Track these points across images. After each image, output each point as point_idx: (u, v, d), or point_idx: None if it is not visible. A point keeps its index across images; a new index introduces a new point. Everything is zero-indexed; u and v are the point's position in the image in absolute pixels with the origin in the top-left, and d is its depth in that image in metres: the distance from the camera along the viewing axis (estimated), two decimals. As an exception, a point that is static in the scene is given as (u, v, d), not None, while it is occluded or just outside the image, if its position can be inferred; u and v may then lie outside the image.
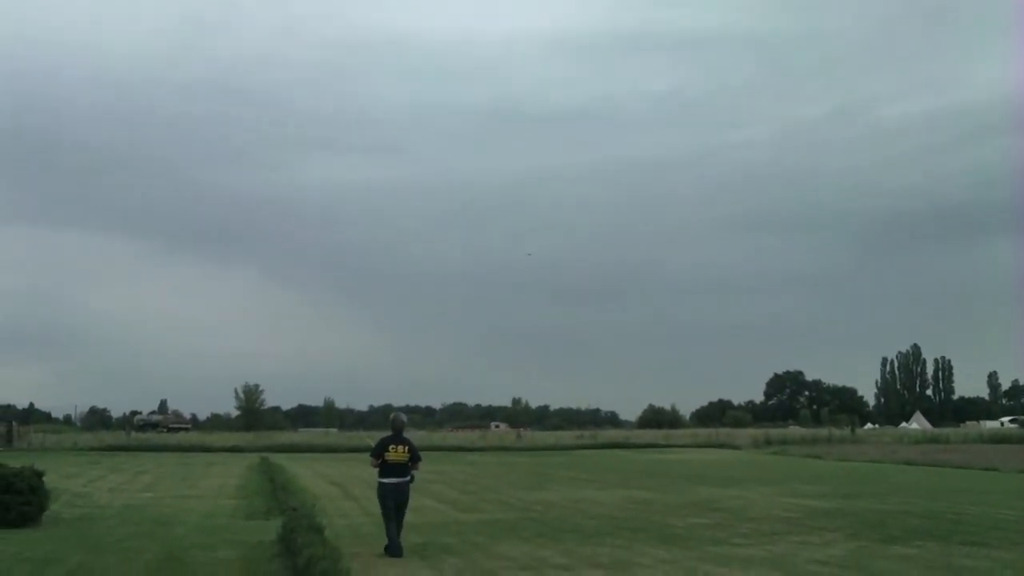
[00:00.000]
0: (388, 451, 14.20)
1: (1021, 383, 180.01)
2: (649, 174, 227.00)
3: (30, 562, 12.87)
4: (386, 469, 14.21)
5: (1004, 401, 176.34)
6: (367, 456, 15.55)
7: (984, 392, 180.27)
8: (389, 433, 14.57)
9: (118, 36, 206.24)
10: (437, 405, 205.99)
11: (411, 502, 14.72)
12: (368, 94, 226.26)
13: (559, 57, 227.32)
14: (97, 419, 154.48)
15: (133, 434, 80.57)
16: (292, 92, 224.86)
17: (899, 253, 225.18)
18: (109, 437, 70.29)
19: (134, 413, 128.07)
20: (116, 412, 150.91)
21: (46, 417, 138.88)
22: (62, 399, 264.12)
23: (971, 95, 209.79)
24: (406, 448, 14.26)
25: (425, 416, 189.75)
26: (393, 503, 14.17)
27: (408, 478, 14.29)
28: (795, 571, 12.24)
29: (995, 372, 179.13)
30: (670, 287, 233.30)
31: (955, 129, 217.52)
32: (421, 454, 14.80)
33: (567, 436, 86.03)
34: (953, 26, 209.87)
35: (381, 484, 14.30)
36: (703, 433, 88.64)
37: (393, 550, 13.84)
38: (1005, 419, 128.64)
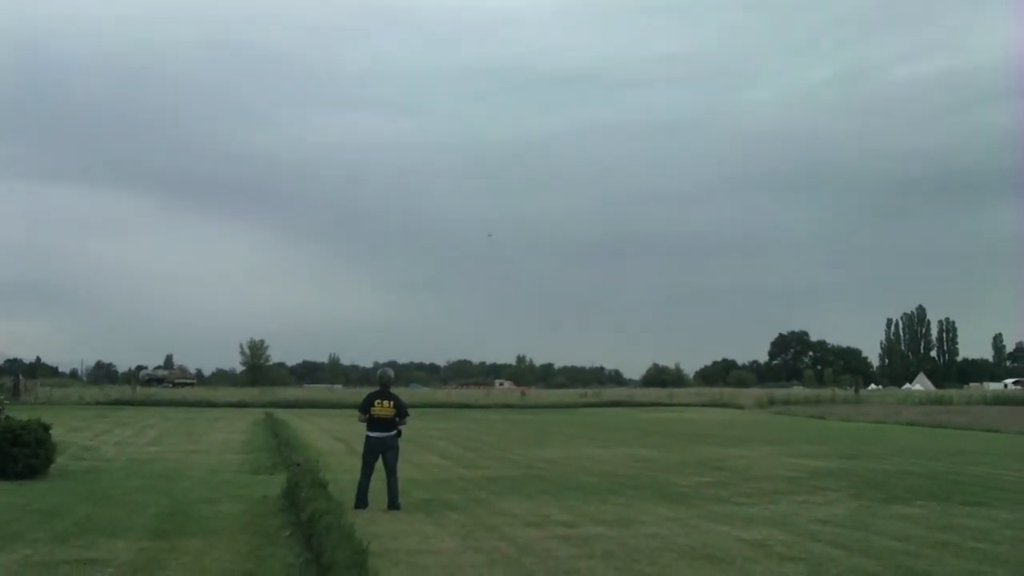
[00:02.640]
0: (374, 406, 14.32)
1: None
2: (655, 135, 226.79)
3: (37, 513, 12.96)
4: (372, 424, 14.35)
5: (1008, 363, 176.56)
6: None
7: (989, 354, 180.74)
8: (376, 388, 14.68)
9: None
10: (442, 362, 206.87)
11: (401, 457, 14.76)
12: (375, 53, 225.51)
13: (567, 18, 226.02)
14: (103, 373, 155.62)
15: (139, 388, 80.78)
16: (300, 50, 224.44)
17: (905, 215, 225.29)
18: (115, 391, 70.47)
19: (140, 368, 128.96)
20: (122, 367, 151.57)
21: (52, 371, 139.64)
22: (68, 353, 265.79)
23: (980, 57, 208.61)
24: (391, 403, 14.35)
25: (430, 373, 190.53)
26: (374, 457, 14.30)
27: (394, 432, 14.38)
28: (797, 530, 12.29)
29: (1000, 334, 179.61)
30: (676, 247, 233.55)
31: (964, 92, 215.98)
32: (409, 409, 14.88)
33: (571, 394, 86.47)
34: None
35: (367, 438, 14.47)
36: (707, 392, 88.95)
37: (360, 502, 14.03)
38: (1009, 381, 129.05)
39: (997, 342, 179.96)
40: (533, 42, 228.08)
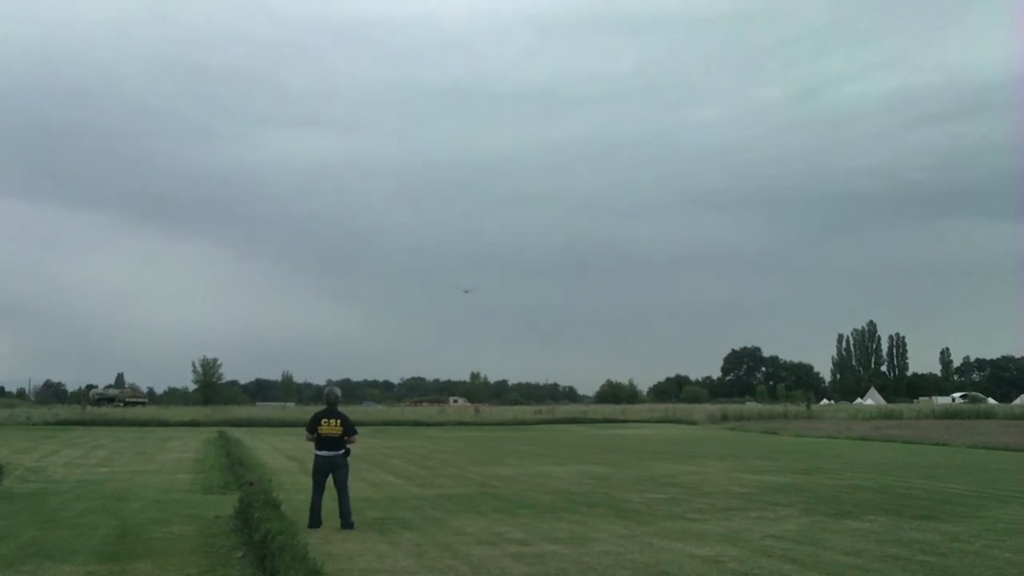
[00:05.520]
0: (321, 425, 14.28)
1: (972, 359, 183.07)
2: (608, 152, 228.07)
3: (-18, 537, 12.75)
4: (320, 443, 14.32)
5: (956, 377, 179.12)
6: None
7: (937, 368, 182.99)
8: (323, 407, 14.65)
9: (80, 8, 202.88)
10: (396, 380, 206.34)
11: (353, 475, 14.77)
12: (331, 72, 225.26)
13: (521, 36, 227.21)
14: (52, 393, 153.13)
15: (89, 408, 79.78)
16: (254, 68, 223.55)
17: (855, 232, 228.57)
18: (64, 411, 69.63)
19: (90, 387, 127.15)
20: (72, 386, 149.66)
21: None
22: (15, 372, 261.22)
23: (927, 78, 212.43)
24: (339, 422, 14.32)
25: (384, 390, 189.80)
26: (324, 476, 14.28)
27: (342, 451, 14.35)
28: (750, 546, 12.36)
29: (947, 349, 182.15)
30: (629, 264, 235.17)
31: (911, 111, 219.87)
32: (362, 427, 14.90)
33: (525, 411, 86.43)
34: (911, 8, 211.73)
35: (315, 456, 14.44)
36: (660, 408, 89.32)
37: (313, 521, 14.00)
38: (956, 395, 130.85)
39: (945, 356, 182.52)
40: (485, 62, 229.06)
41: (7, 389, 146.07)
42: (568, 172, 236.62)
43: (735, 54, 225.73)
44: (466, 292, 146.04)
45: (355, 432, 14.63)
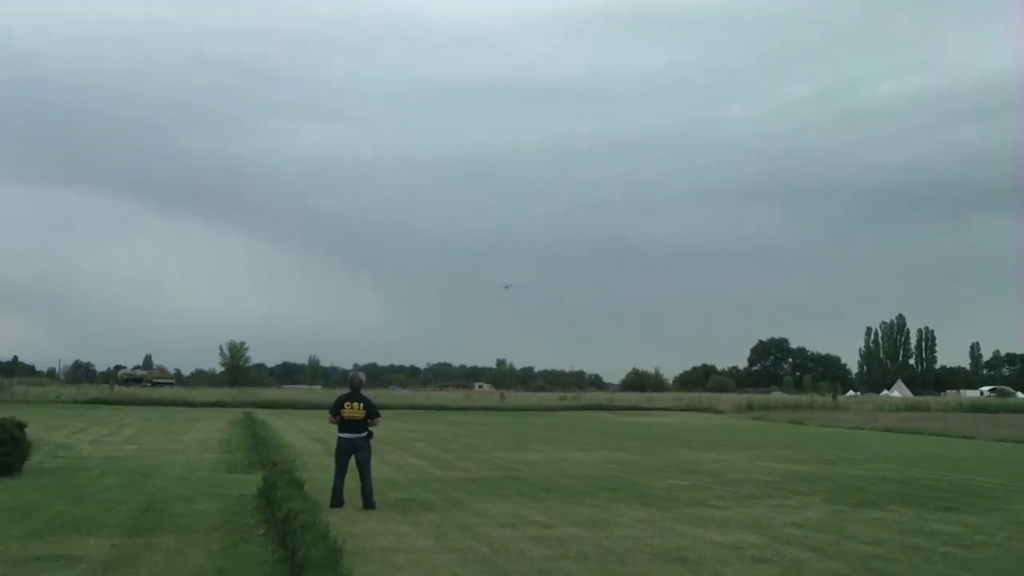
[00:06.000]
0: (344, 408, 14.42)
1: (1002, 354, 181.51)
2: (638, 148, 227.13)
3: (11, 511, 12.90)
4: (343, 425, 14.47)
5: (985, 371, 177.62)
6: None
7: (966, 362, 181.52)
8: (347, 391, 14.76)
9: (111, 4, 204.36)
10: (422, 365, 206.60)
11: (376, 457, 14.94)
12: (353, 66, 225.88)
13: (550, 33, 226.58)
14: (81, 373, 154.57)
15: (117, 388, 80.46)
16: (281, 63, 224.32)
17: (886, 227, 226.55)
18: (92, 391, 70.16)
19: (118, 367, 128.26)
20: (100, 366, 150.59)
21: (30, 370, 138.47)
22: (46, 353, 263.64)
23: (959, 76, 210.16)
24: (361, 405, 14.45)
25: (410, 375, 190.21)
26: (346, 457, 14.41)
27: (365, 434, 14.45)
28: (770, 533, 12.36)
29: (977, 343, 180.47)
30: (658, 254, 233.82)
31: (943, 109, 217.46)
32: (388, 411, 14.99)
33: (550, 397, 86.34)
34: (944, 7, 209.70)
35: (338, 439, 14.59)
36: (686, 397, 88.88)
37: (335, 501, 14.13)
38: (985, 388, 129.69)
39: (974, 351, 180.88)
40: (512, 57, 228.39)
41: (38, 369, 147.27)
42: (599, 165, 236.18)
43: (768, 51, 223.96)
44: (507, 288, 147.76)
45: (378, 415, 14.74)
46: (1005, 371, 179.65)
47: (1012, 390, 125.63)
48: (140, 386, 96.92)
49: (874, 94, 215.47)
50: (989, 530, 13.02)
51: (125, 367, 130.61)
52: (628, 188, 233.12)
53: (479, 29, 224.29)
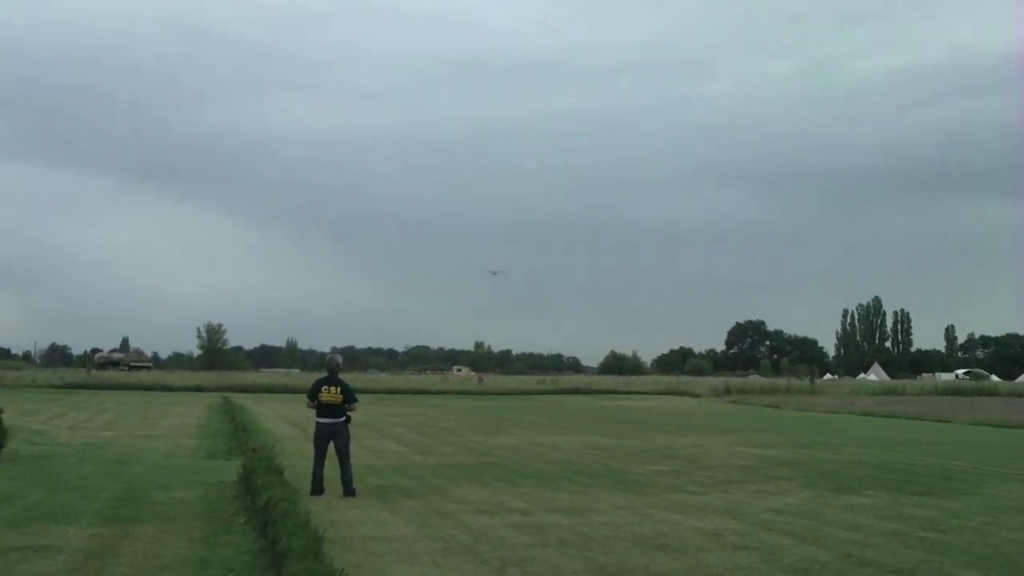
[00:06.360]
0: (321, 392, 14.34)
1: (976, 337, 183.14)
2: (616, 124, 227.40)
3: (-13, 499, 12.83)
4: (321, 410, 14.40)
5: (960, 354, 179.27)
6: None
7: (941, 345, 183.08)
8: (325, 375, 14.70)
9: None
10: (400, 348, 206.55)
11: (355, 443, 14.97)
12: (334, 39, 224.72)
13: (532, 7, 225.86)
14: (57, 356, 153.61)
15: (93, 372, 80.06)
16: (258, 35, 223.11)
17: (863, 208, 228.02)
18: (69, 375, 69.89)
19: (95, 351, 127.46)
20: (77, 349, 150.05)
21: (5, 354, 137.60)
22: (21, 335, 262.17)
23: (937, 55, 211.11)
24: (339, 389, 14.37)
25: (388, 359, 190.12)
26: (325, 443, 14.35)
27: (343, 418, 14.41)
28: (750, 519, 12.42)
29: (952, 326, 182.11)
30: (635, 235, 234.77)
31: (921, 88, 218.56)
32: (366, 395, 14.95)
33: (529, 381, 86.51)
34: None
35: (316, 424, 14.52)
36: (664, 380, 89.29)
37: (316, 488, 14.09)
38: (960, 371, 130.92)
39: (949, 333, 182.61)
40: (495, 31, 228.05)
41: (13, 352, 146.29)
42: (575, 144, 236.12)
43: (746, 28, 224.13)
44: (494, 274, 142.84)
45: (356, 400, 14.68)
46: (979, 354, 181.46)
47: (986, 373, 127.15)
48: (117, 370, 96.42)
49: (851, 73, 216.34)
50: (965, 514, 13.13)
51: (102, 350, 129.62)
52: (603, 167, 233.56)
53: (450, 3, 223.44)
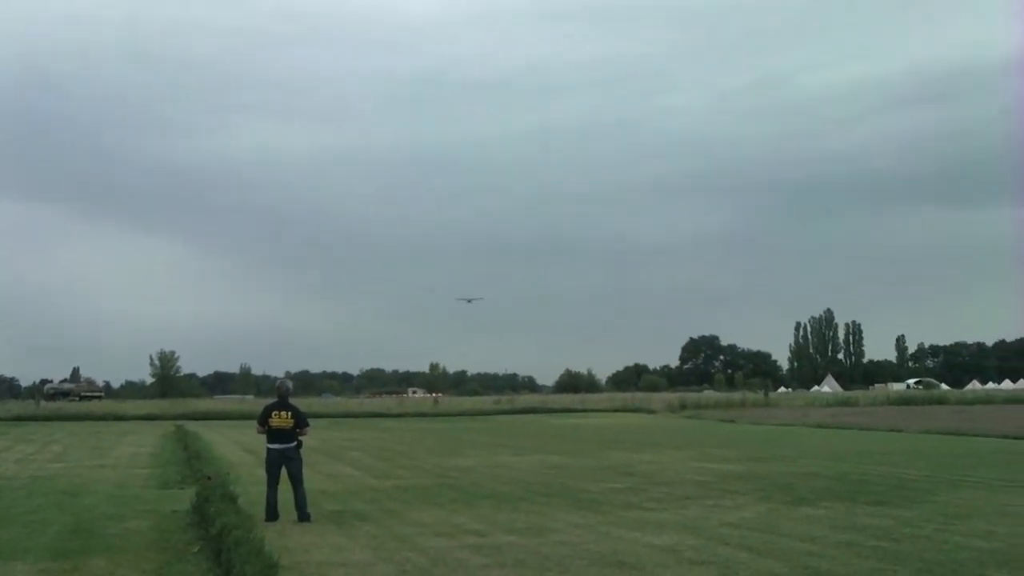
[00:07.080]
0: (272, 417, 14.24)
1: (926, 346, 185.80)
2: (574, 140, 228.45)
3: (-67, 536, 12.57)
4: (271, 435, 14.29)
5: (911, 364, 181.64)
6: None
7: (893, 355, 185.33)
8: (275, 399, 14.59)
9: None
10: (355, 371, 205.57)
11: (307, 467, 14.83)
12: (298, 63, 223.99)
13: (487, 26, 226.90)
14: (5, 388, 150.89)
15: (43, 403, 78.67)
16: (222, 59, 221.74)
17: (815, 219, 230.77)
18: (17, 407, 68.55)
19: (44, 382, 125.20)
20: (25, 380, 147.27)
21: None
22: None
23: (890, 66, 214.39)
24: (290, 414, 14.27)
25: (343, 382, 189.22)
26: (277, 469, 14.24)
27: (294, 444, 14.30)
28: (706, 534, 12.46)
29: (903, 336, 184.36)
30: (588, 252, 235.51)
31: (873, 99, 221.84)
32: (320, 420, 14.85)
33: (484, 401, 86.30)
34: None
35: (267, 450, 14.41)
36: (619, 397, 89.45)
37: (270, 514, 13.96)
38: (911, 381, 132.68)
39: (900, 343, 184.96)
40: (458, 49, 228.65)
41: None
42: (532, 160, 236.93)
43: (704, 43, 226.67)
44: (469, 302, 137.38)
45: (307, 424, 14.57)
46: (929, 363, 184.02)
47: (936, 382, 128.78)
48: (68, 400, 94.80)
49: (804, 84, 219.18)
50: (918, 522, 13.28)
51: (52, 381, 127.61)
52: (558, 183, 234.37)
53: (410, 23, 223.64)
